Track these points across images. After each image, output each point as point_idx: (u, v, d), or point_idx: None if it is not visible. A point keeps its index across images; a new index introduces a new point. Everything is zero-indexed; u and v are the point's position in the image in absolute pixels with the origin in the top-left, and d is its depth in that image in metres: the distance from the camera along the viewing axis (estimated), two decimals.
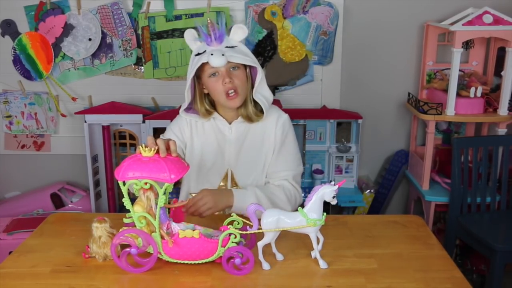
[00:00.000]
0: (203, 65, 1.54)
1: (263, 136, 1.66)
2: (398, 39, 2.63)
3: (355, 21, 2.60)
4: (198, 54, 1.54)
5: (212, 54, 1.50)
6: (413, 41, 2.63)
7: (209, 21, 1.55)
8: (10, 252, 1.42)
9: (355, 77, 2.68)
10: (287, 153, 1.66)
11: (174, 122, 1.71)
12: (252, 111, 1.61)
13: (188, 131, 1.67)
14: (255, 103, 1.62)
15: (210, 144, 1.65)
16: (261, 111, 1.62)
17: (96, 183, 2.64)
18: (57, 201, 2.64)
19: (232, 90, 1.54)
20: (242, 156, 1.64)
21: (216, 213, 1.59)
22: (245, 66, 1.58)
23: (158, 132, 2.46)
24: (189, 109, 1.65)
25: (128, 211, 1.26)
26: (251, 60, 1.55)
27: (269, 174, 1.66)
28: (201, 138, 1.67)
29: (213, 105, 1.66)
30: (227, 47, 1.53)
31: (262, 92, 1.61)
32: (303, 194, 2.53)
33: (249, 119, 1.62)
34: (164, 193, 1.23)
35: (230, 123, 1.65)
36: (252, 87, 1.61)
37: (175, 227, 1.32)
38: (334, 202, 1.27)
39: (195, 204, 1.48)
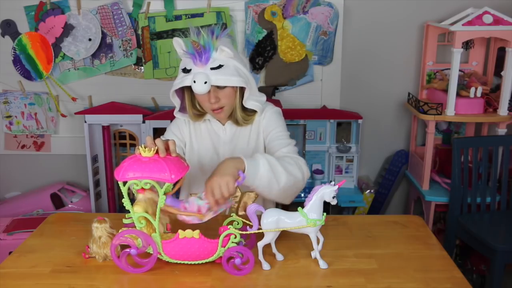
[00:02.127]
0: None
1: (254, 134, 1.66)
2: (398, 39, 2.63)
3: (355, 21, 2.60)
4: (184, 69, 1.51)
5: (194, 82, 1.47)
6: (413, 41, 2.63)
7: (193, 42, 1.50)
8: (10, 252, 1.42)
9: (355, 77, 2.68)
10: (280, 134, 1.63)
11: (173, 123, 1.71)
12: (240, 117, 1.61)
13: (187, 131, 1.68)
14: (244, 108, 1.61)
15: (206, 145, 1.66)
16: (251, 113, 1.62)
17: (96, 183, 2.64)
18: (57, 201, 2.64)
19: (218, 107, 1.54)
20: (238, 153, 1.64)
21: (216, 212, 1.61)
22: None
23: (158, 132, 2.47)
24: (184, 109, 1.65)
25: (128, 211, 1.26)
26: (237, 80, 1.51)
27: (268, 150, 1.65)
28: (198, 138, 1.67)
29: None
30: (212, 68, 1.48)
31: (252, 98, 1.59)
32: (302, 195, 2.56)
33: (237, 123, 1.63)
34: (164, 193, 1.23)
35: (223, 125, 1.65)
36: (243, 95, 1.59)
37: (193, 201, 1.32)
38: (334, 202, 1.27)
39: (214, 192, 1.35)
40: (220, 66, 1.48)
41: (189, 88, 1.56)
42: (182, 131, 1.68)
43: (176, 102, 1.61)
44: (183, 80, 1.50)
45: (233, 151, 1.64)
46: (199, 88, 1.47)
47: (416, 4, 2.58)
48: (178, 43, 1.53)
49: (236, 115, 1.61)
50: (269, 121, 1.65)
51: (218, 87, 1.51)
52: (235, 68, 1.52)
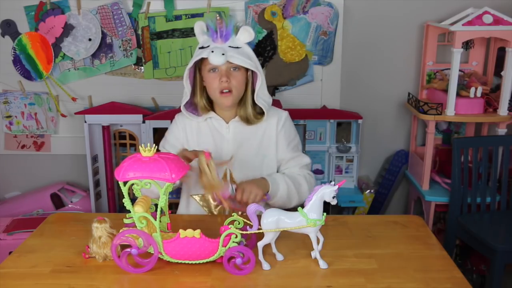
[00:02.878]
0: (204, 59, 1.55)
1: (263, 136, 1.66)
2: (398, 39, 2.63)
3: (355, 21, 2.60)
4: (202, 48, 1.55)
5: (212, 51, 1.51)
6: (413, 41, 2.63)
7: (218, 17, 1.57)
8: (10, 252, 1.42)
9: (355, 77, 2.68)
10: (296, 147, 1.72)
11: (169, 130, 1.73)
12: (251, 113, 1.62)
13: (183, 136, 1.68)
14: (255, 105, 1.62)
15: (207, 145, 1.65)
16: (261, 114, 1.63)
17: (96, 183, 2.64)
18: (57, 201, 2.64)
19: (227, 90, 1.55)
20: (240, 155, 1.64)
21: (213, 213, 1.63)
22: (246, 68, 1.58)
23: (158, 132, 2.47)
24: (189, 106, 1.65)
25: (129, 211, 1.26)
26: (251, 64, 1.56)
27: (286, 165, 1.70)
28: (197, 140, 1.67)
29: (211, 104, 1.66)
30: (230, 46, 1.54)
31: (262, 96, 1.62)
32: None
33: (247, 120, 1.63)
34: (165, 193, 1.23)
35: (227, 123, 1.65)
36: (253, 90, 1.61)
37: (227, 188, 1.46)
38: (334, 202, 1.27)
39: (244, 194, 1.51)
40: (238, 47, 1.54)
41: (200, 77, 1.61)
42: (179, 136, 1.69)
43: (187, 87, 1.61)
44: (200, 53, 1.54)
45: (237, 151, 1.64)
46: (216, 59, 1.51)
47: (416, 4, 2.58)
48: (200, 25, 1.59)
49: (246, 111, 1.62)
50: (289, 130, 1.70)
51: (231, 68, 1.55)
52: (250, 56, 1.57)
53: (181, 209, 1.73)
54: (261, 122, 1.65)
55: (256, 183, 1.53)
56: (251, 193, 1.49)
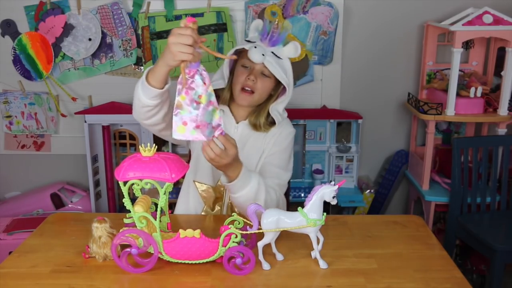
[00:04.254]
0: (242, 53, 1.55)
1: (268, 144, 1.64)
2: (398, 39, 2.63)
3: (355, 21, 2.60)
4: (247, 41, 1.56)
5: (255, 47, 1.51)
6: (413, 41, 2.63)
7: (276, 22, 1.55)
8: (10, 252, 1.42)
9: (355, 77, 2.68)
10: (283, 161, 1.63)
11: None
12: (262, 123, 1.61)
13: None
14: (268, 115, 1.61)
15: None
16: (271, 124, 1.62)
17: (96, 183, 2.64)
18: (57, 201, 2.64)
19: (250, 89, 1.55)
20: (242, 158, 1.63)
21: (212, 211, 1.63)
22: (275, 79, 1.57)
23: None
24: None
25: (129, 211, 1.26)
26: (284, 78, 1.54)
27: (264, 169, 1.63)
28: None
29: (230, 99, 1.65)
30: (273, 53, 1.53)
31: (278, 109, 1.61)
32: (302, 195, 2.56)
33: (255, 127, 1.62)
34: (165, 193, 1.23)
35: (237, 122, 1.64)
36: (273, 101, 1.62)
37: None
38: (334, 202, 1.27)
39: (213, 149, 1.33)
40: (279, 57, 1.54)
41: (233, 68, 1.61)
42: None
43: (226, 73, 1.59)
44: (243, 44, 1.54)
45: (239, 152, 1.63)
46: (255, 56, 1.50)
47: (416, 4, 2.58)
48: (257, 23, 1.58)
49: (258, 119, 1.60)
50: (282, 140, 1.64)
51: (263, 73, 1.55)
52: (287, 71, 1.56)
53: (182, 196, 1.72)
54: (270, 131, 1.63)
55: (230, 159, 1.35)
56: (225, 154, 1.32)
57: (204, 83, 1.24)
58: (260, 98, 1.59)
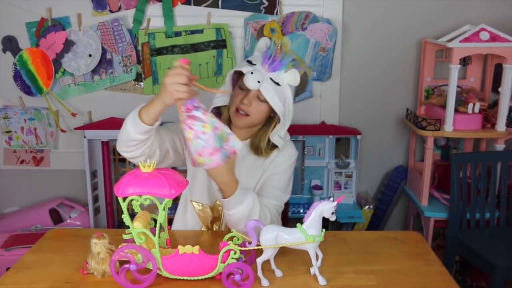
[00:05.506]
0: (242, 73, 1.54)
1: (265, 164, 1.64)
2: (396, 56, 2.66)
3: (354, 38, 2.63)
4: (249, 62, 1.54)
5: (252, 73, 1.48)
6: (411, 57, 2.66)
7: (279, 46, 1.54)
8: (7, 268, 1.42)
9: (354, 93, 2.69)
10: (282, 182, 1.63)
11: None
12: (263, 148, 1.59)
13: None
14: (269, 140, 1.60)
15: None
16: (273, 147, 1.61)
17: (95, 199, 2.64)
18: (56, 217, 2.63)
19: (243, 112, 1.55)
20: (241, 177, 1.63)
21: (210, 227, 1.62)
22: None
23: None
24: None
25: (128, 227, 1.26)
26: (280, 107, 1.51)
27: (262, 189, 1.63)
28: None
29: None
30: (271, 79, 1.50)
31: (279, 133, 1.60)
32: (301, 211, 2.56)
33: (255, 151, 1.61)
34: (164, 209, 1.23)
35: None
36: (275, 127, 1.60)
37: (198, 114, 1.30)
38: (333, 218, 1.28)
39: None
40: (278, 84, 1.50)
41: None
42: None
43: (228, 86, 1.60)
44: (243, 66, 1.52)
45: (238, 172, 1.63)
46: (250, 82, 1.48)
47: (414, 21, 2.61)
48: (264, 41, 1.57)
49: (259, 144, 1.59)
50: (283, 162, 1.62)
51: (258, 97, 1.53)
52: (286, 98, 1.53)
53: (178, 215, 1.71)
54: (272, 153, 1.62)
55: (226, 172, 1.39)
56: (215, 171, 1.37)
57: (204, 114, 1.31)
58: (255, 121, 1.58)
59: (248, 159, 1.63)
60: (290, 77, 1.52)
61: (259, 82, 1.48)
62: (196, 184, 1.64)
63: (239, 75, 1.58)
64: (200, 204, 1.65)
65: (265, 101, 1.53)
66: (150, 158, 1.49)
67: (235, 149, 1.33)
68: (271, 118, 1.61)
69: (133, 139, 1.41)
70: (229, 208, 1.45)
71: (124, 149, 1.47)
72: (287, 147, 1.66)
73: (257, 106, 1.54)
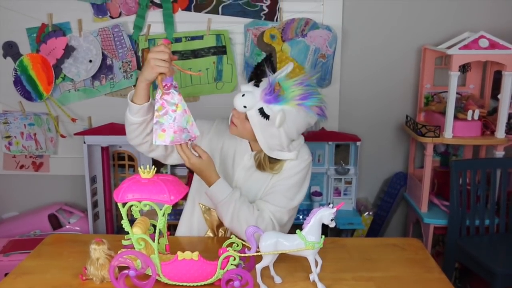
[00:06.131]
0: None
1: (281, 174, 1.62)
2: (396, 62, 2.67)
3: (353, 45, 2.64)
4: (257, 76, 1.51)
5: (243, 95, 1.47)
6: (411, 64, 2.67)
7: (276, 83, 1.44)
8: (6, 274, 1.42)
9: (354, 99, 2.70)
10: (288, 190, 1.59)
11: (217, 123, 1.71)
12: (263, 164, 1.58)
13: (218, 142, 1.66)
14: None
15: (224, 164, 1.65)
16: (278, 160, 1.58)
17: (94, 204, 2.64)
18: (55, 222, 2.63)
19: (232, 122, 1.56)
20: (249, 185, 1.63)
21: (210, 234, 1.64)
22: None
23: None
24: None
25: (127, 233, 1.26)
26: (260, 139, 1.49)
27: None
28: (221, 144, 1.67)
29: None
30: (262, 109, 1.45)
31: (281, 155, 1.56)
32: (301, 217, 2.56)
33: (258, 166, 1.59)
34: (163, 215, 1.23)
35: (252, 150, 1.63)
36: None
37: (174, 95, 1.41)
38: (332, 224, 1.28)
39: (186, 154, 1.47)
40: (266, 117, 1.46)
41: None
42: (213, 135, 1.68)
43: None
44: (248, 85, 1.51)
45: (247, 179, 1.63)
46: (237, 103, 1.49)
47: (414, 28, 2.62)
48: (289, 67, 1.52)
49: (263, 162, 1.58)
50: (291, 168, 1.59)
51: (246, 117, 1.50)
52: (273, 135, 1.49)
53: (185, 215, 1.72)
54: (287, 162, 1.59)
55: (205, 167, 1.49)
56: (193, 161, 1.46)
57: (179, 95, 1.42)
58: (242, 135, 1.58)
59: (259, 172, 1.62)
60: (277, 119, 1.45)
61: (245, 107, 1.47)
62: (203, 186, 1.64)
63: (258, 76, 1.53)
64: (207, 207, 1.65)
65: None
66: (153, 150, 1.59)
67: (196, 135, 1.44)
68: None
69: (132, 123, 1.51)
70: (212, 199, 1.52)
71: (129, 136, 1.57)
72: (302, 157, 1.62)
73: (244, 123, 1.53)
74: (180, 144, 1.44)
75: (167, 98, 1.40)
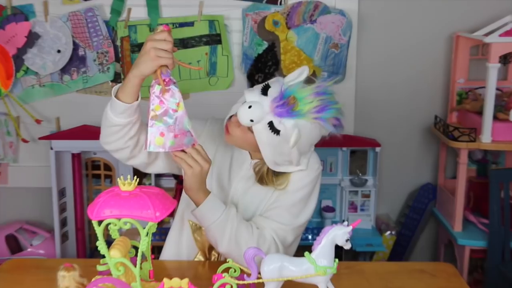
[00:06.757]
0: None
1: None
2: (422, 53, 2.68)
3: (372, 32, 2.65)
4: (267, 85, 1.50)
5: (250, 107, 1.44)
6: (441, 55, 2.68)
7: (293, 96, 1.43)
8: None
9: (372, 97, 2.71)
10: (291, 208, 1.59)
11: (210, 123, 1.71)
12: (266, 177, 1.58)
13: (211, 147, 1.65)
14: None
15: (219, 174, 1.66)
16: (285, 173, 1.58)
17: (63, 223, 2.64)
18: (14, 245, 2.63)
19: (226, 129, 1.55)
20: (248, 199, 1.63)
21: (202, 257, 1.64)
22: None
23: None
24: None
25: (103, 256, 1.26)
26: (267, 155, 1.49)
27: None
28: (218, 160, 1.67)
29: None
30: (270, 123, 1.44)
31: (285, 160, 1.55)
32: (310, 237, 2.56)
33: (260, 179, 1.59)
34: (147, 235, 1.24)
35: (252, 159, 1.63)
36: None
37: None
38: (347, 246, 1.28)
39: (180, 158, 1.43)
40: (277, 132, 1.45)
41: None
42: (209, 139, 1.68)
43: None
44: (254, 90, 1.51)
45: (246, 190, 1.63)
46: (243, 116, 1.45)
47: (444, 12, 2.63)
48: (303, 70, 1.54)
49: (266, 176, 1.57)
50: (297, 180, 1.58)
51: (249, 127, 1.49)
52: (282, 152, 1.49)
53: (172, 235, 1.72)
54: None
55: (195, 183, 1.44)
56: (190, 166, 1.41)
57: (180, 91, 1.37)
58: (239, 145, 1.58)
59: (258, 184, 1.62)
60: (292, 137, 1.44)
61: (252, 121, 1.46)
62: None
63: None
64: (198, 225, 1.65)
65: (251, 131, 1.50)
66: (134, 157, 1.56)
67: (197, 139, 1.41)
68: None
69: (114, 124, 1.47)
70: (202, 222, 1.50)
71: (106, 139, 1.53)
72: (311, 166, 1.61)
73: (245, 133, 1.51)
74: (182, 150, 1.40)
75: (166, 96, 1.36)
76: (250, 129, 1.49)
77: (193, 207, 1.58)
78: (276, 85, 1.49)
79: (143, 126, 1.51)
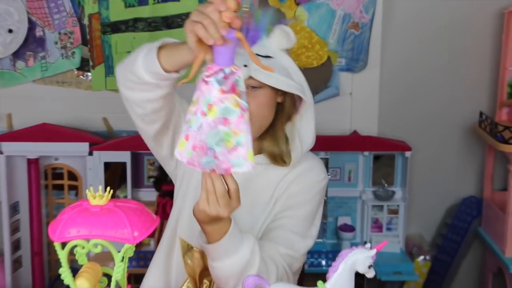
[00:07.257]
0: None
1: (275, 191, 1.65)
2: (463, 34, 2.68)
3: (400, 9, 2.65)
4: None
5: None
6: (487, 36, 2.68)
7: (246, 9, 1.50)
8: None
9: (400, 90, 2.72)
10: (300, 221, 1.63)
11: None
12: (284, 151, 1.60)
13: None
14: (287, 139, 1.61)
15: None
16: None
17: (15, 245, 2.64)
18: None
19: None
20: (244, 204, 1.64)
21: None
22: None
23: (110, 169, 2.49)
24: None
25: (67, 286, 1.28)
26: (285, 82, 1.53)
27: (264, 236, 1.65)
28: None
29: None
30: (258, 55, 1.47)
31: (301, 131, 1.61)
32: (324, 262, 2.56)
33: (274, 159, 1.62)
34: (123, 260, 1.25)
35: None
36: (289, 117, 1.62)
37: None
38: (370, 274, 1.29)
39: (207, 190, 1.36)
40: (268, 57, 1.51)
41: None
42: None
43: None
44: None
45: (242, 196, 1.64)
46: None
47: None
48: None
49: (278, 147, 1.60)
50: (301, 192, 1.62)
51: (251, 85, 1.53)
52: (289, 68, 1.54)
53: (159, 258, 1.73)
54: (285, 169, 1.63)
55: (210, 219, 1.39)
56: (221, 202, 1.36)
57: (223, 91, 1.21)
58: (262, 120, 1.59)
59: (256, 184, 1.64)
60: (280, 39, 1.53)
61: (246, 66, 1.49)
62: (185, 211, 1.65)
63: None
64: (190, 245, 1.66)
65: (260, 86, 1.55)
66: (150, 118, 1.55)
67: (230, 168, 1.25)
68: (281, 105, 1.62)
69: (138, 77, 1.42)
70: (214, 258, 1.46)
71: (125, 83, 1.49)
72: (314, 166, 1.67)
73: (254, 99, 1.54)
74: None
75: (203, 89, 1.22)
76: (252, 85, 1.51)
77: (184, 220, 1.59)
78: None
79: (172, 97, 1.51)
